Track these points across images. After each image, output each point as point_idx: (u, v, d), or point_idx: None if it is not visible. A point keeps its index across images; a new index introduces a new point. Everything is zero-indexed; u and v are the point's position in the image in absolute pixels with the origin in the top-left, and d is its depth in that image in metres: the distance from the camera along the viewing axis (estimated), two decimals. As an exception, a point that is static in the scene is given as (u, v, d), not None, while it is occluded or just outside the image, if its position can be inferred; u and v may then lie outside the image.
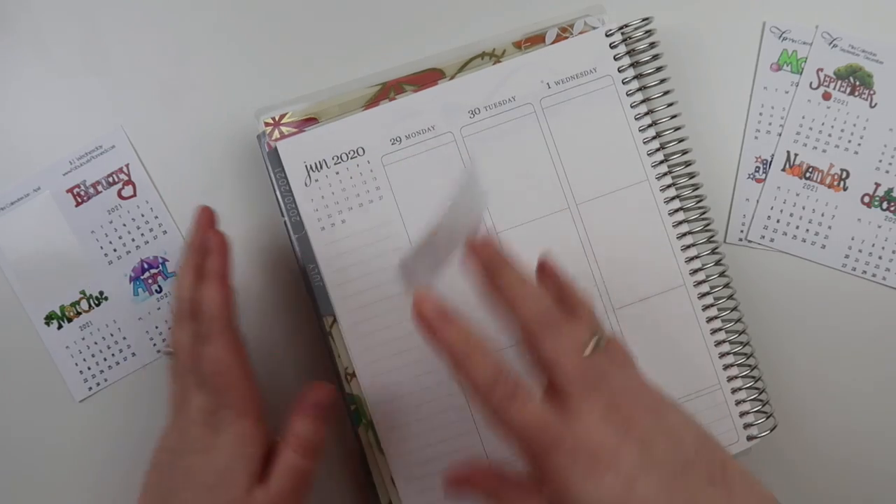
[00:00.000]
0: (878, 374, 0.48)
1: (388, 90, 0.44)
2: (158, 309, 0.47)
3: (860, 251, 0.48)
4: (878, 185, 0.48)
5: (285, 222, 0.44)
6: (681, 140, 0.45)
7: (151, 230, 0.47)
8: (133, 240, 0.47)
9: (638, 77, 0.45)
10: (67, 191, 0.46)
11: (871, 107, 0.48)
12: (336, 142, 0.44)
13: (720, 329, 0.44)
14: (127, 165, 0.47)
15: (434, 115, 0.44)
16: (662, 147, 0.44)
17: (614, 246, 0.44)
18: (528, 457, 0.32)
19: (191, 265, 0.39)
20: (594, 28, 0.45)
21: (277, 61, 0.48)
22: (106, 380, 0.47)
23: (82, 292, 0.47)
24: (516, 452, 0.32)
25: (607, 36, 0.44)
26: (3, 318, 0.46)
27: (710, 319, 0.44)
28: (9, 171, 0.46)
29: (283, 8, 0.48)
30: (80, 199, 0.47)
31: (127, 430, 0.46)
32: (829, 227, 0.48)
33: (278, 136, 0.44)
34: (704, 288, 0.44)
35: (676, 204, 0.44)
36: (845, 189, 0.48)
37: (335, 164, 0.44)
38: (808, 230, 0.48)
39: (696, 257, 0.44)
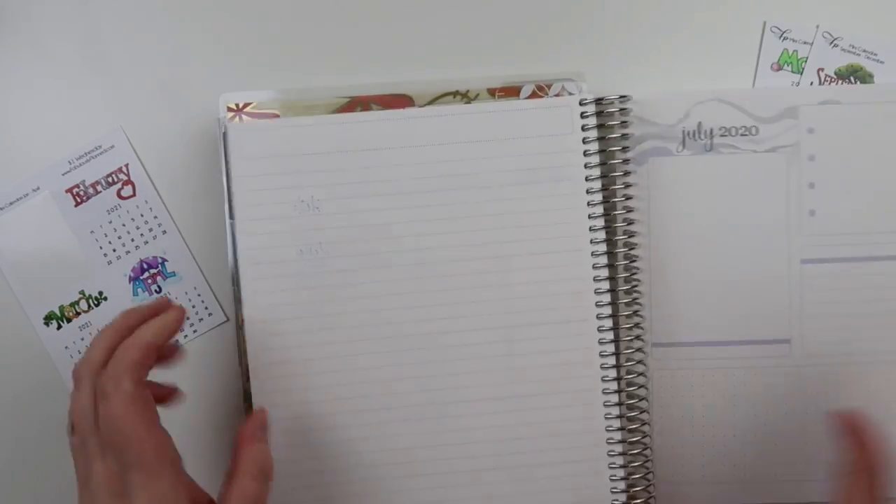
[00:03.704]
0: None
1: (356, 104, 0.45)
2: (158, 309, 0.47)
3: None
4: (878, 185, 0.48)
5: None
6: (630, 222, 0.45)
7: (151, 230, 0.47)
8: (132, 240, 0.47)
9: (602, 152, 0.44)
10: (67, 191, 0.46)
11: (872, 107, 0.48)
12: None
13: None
14: (126, 165, 0.47)
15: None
16: (608, 226, 0.44)
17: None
18: None
19: (116, 328, 0.36)
20: (570, 94, 0.45)
21: (277, 61, 0.47)
22: (105, 380, 0.47)
23: (82, 292, 0.47)
24: None
25: (581, 105, 0.44)
26: (3, 318, 0.47)
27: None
28: (8, 171, 0.47)
29: (283, 8, 0.48)
30: (79, 199, 0.47)
31: (126, 430, 0.46)
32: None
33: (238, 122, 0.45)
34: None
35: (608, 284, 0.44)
36: (846, 189, 0.48)
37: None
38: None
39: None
